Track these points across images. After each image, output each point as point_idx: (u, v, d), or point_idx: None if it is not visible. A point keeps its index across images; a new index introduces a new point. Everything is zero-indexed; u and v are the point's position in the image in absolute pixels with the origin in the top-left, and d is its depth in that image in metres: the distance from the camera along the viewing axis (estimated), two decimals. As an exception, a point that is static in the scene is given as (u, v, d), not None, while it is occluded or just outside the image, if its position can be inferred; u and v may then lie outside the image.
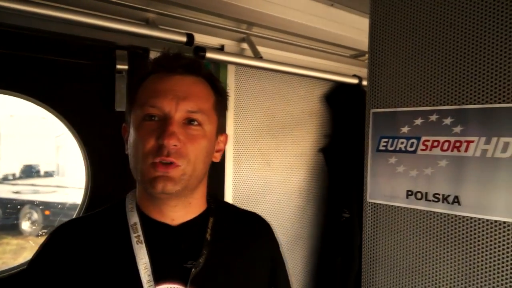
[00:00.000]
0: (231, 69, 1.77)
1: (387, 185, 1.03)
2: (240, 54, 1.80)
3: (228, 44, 1.79)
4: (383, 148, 1.04)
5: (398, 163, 1.01)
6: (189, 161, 0.78)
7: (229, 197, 1.74)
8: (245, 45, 1.82)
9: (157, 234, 0.82)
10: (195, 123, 0.81)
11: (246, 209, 1.03)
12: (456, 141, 0.91)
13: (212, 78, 0.89)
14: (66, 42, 1.48)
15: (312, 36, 1.90)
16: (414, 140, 0.98)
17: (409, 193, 0.98)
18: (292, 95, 2.02)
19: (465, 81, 0.91)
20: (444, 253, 0.93)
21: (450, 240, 0.93)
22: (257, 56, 1.76)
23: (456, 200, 0.91)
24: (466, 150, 0.90)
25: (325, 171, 2.16)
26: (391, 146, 1.02)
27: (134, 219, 0.83)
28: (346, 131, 2.07)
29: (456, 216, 0.92)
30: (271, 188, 1.93)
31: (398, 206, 1.01)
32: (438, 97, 0.95)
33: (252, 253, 0.92)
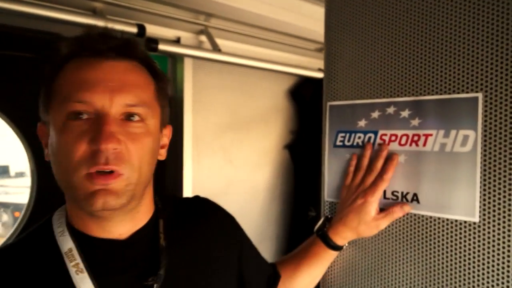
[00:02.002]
0: (188, 63, 1.69)
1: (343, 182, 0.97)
2: (198, 46, 1.72)
3: (185, 36, 1.70)
4: (340, 144, 0.98)
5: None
6: (133, 167, 0.64)
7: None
8: (203, 38, 1.74)
9: (103, 254, 0.68)
10: (136, 118, 0.65)
11: (188, 197, 0.92)
12: (414, 135, 0.86)
13: (150, 61, 0.73)
14: (6, 33, 1.36)
15: (275, 29, 1.83)
16: (371, 135, 0.92)
17: (367, 190, 0.92)
18: (255, 90, 1.95)
19: (421, 71, 0.85)
20: (403, 255, 0.88)
21: (409, 240, 0.87)
22: (216, 49, 1.68)
23: (415, 198, 0.86)
24: (424, 144, 0.84)
25: (291, 168, 2.10)
26: (348, 141, 0.96)
27: (67, 244, 0.66)
28: (312, 126, 2.02)
29: (415, 215, 0.86)
30: (234, 187, 1.85)
31: (356, 205, 0.94)
32: (395, 88, 0.89)
33: (212, 239, 0.82)
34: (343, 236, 0.93)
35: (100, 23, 1.40)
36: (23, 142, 1.43)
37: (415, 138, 0.85)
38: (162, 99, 0.74)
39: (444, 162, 0.81)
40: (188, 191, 1.65)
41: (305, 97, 2.08)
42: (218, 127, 1.80)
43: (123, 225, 0.70)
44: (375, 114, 0.91)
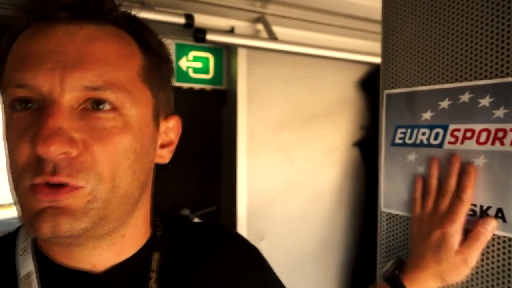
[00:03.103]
0: (242, 54, 1.57)
1: (405, 191, 0.77)
2: (253, 35, 1.59)
3: (240, 25, 1.59)
4: (400, 141, 0.78)
5: (419, 161, 0.75)
6: (100, 177, 0.45)
7: (242, 201, 1.54)
8: (260, 26, 1.61)
9: None
10: (106, 106, 0.46)
11: (203, 222, 0.73)
12: (498, 130, 0.63)
13: (135, 24, 0.51)
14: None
15: (340, 11, 1.63)
16: (440, 130, 0.71)
17: (433, 202, 0.72)
18: (319, 82, 1.77)
19: (509, 43, 0.62)
20: (481, 285, 0.66)
21: (490, 269, 0.65)
22: (272, 37, 1.54)
23: (499, 215, 0.64)
24: (503, 143, 0.62)
25: (361, 168, 1.88)
26: (410, 138, 0.76)
27: (27, 267, 0.50)
28: (385, 121, 1.78)
29: (499, 237, 0.64)
30: (294, 189, 1.70)
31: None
32: (471, 69, 0.67)
33: (226, 281, 0.61)
34: (423, 286, 0.70)
35: (148, 15, 1.35)
36: None
37: (500, 134, 0.63)
38: (157, 80, 0.53)
39: (543, 167, 0.58)
40: (242, 193, 1.54)
41: (378, 88, 1.84)
42: (276, 123, 1.66)
43: (97, 253, 0.51)
44: (445, 104, 0.70)
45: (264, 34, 1.61)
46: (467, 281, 0.68)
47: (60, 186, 0.43)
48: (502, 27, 0.63)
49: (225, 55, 1.64)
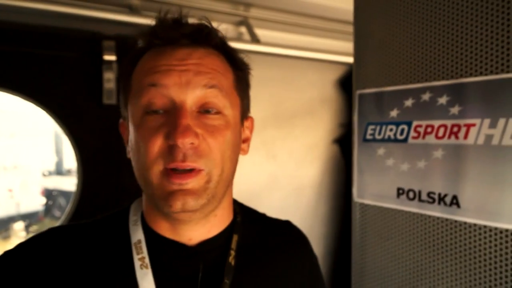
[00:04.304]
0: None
1: (375, 182, 0.85)
2: (235, 38, 1.66)
3: (223, 28, 1.65)
4: (371, 137, 0.86)
5: (387, 154, 0.82)
6: (214, 162, 0.59)
7: (228, 195, 1.61)
8: (242, 29, 1.67)
9: (167, 257, 0.64)
10: (215, 109, 0.60)
11: (276, 217, 0.82)
12: (453, 125, 0.71)
13: (228, 48, 0.67)
14: (50, 34, 1.42)
15: (320, 15, 1.71)
16: (405, 126, 0.79)
17: (400, 191, 0.79)
18: (300, 82, 1.85)
19: (462, 48, 0.71)
20: (440, 266, 0.74)
21: (448, 251, 0.73)
22: (255, 39, 1.60)
23: (454, 201, 0.72)
24: (466, 137, 0.70)
25: (341, 163, 1.97)
26: (379, 134, 0.84)
27: (138, 235, 0.64)
28: (363, 119, 1.87)
29: (455, 221, 0.72)
30: (278, 183, 1.77)
31: (387, 208, 0.82)
32: (431, 70, 0.75)
33: (286, 277, 0.72)
34: None
35: (136, 19, 1.40)
36: (70, 139, 1.47)
37: (455, 129, 0.71)
38: (242, 89, 0.68)
39: (491, 158, 0.67)
40: (234, 187, 1.60)
41: (356, 87, 1.93)
42: (260, 121, 1.73)
43: (196, 229, 0.64)
44: (409, 102, 0.78)
45: (246, 36, 1.67)
46: (424, 263, 0.76)
47: (187, 171, 0.57)
48: (457, 31, 0.71)
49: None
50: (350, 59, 1.85)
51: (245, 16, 1.65)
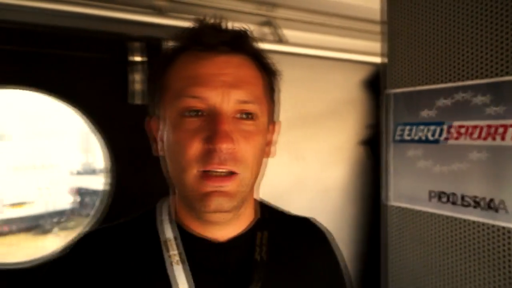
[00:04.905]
0: (250, 57, 1.62)
1: (406, 184, 0.82)
2: (261, 38, 1.65)
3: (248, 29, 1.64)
4: (401, 138, 0.83)
5: (419, 156, 0.80)
6: (247, 166, 0.62)
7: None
8: (267, 29, 1.66)
9: (197, 253, 0.66)
10: (249, 116, 0.63)
11: (296, 214, 0.84)
12: (491, 126, 0.68)
13: (261, 55, 0.69)
14: (80, 36, 1.45)
15: (347, 14, 1.68)
16: (437, 127, 0.76)
17: (432, 194, 0.76)
18: (325, 82, 1.82)
19: (501, 46, 0.67)
20: (477, 273, 0.71)
21: (487, 257, 0.70)
22: (280, 40, 1.59)
23: (495, 206, 0.68)
24: (503, 138, 0.67)
25: (368, 166, 1.92)
26: (410, 135, 0.81)
27: (167, 233, 0.67)
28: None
29: (492, 226, 0.69)
30: (303, 186, 1.75)
31: (419, 211, 0.79)
32: (467, 69, 0.72)
33: (311, 271, 0.74)
34: None
35: (162, 21, 1.41)
36: (103, 140, 1.50)
37: (492, 129, 0.68)
38: (272, 95, 0.70)
39: (532, 160, 0.63)
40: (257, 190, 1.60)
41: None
42: (284, 122, 1.70)
43: (224, 227, 0.67)
44: (441, 102, 0.75)
45: (271, 37, 1.66)
46: (469, 271, 0.72)
47: (222, 175, 0.59)
48: (496, 28, 0.67)
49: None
50: (376, 59, 1.81)
51: (270, 16, 1.64)
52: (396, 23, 0.85)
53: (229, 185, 0.60)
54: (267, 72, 0.69)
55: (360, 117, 1.94)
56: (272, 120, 0.72)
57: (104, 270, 0.65)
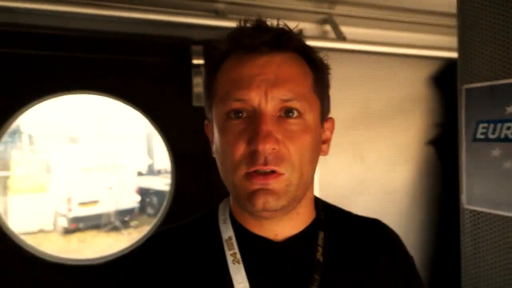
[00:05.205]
0: (310, 56, 1.60)
1: (489, 187, 0.75)
2: (319, 36, 1.61)
3: (307, 28, 1.61)
4: (482, 137, 0.76)
5: (504, 156, 0.72)
6: (293, 166, 0.61)
7: (314, 198, 1.57)
8: (327, 27, 1.63)
9: (256, 252, 0.67)
10: (294, 114, 0.62)
11: (364, 216, 0.80)
12: None
13: (307, 51, 0.68)
14: (145, 42, 1.51)
15: (408, 7, 1.60)
16: (527, 124, 0.69)
17: (520, 198, 0.69)
18: (389, 79, 1.74)
19: None
20: None
21: None
22: (340, 37, 1.55)
23: None
24: None
25: (436, 167, 1.82)
26: (494, 133, 0.74)
27: (228, 233, 0.69)
28: (462, 117, 1.70)
29: None
30: (365, 187, 1.69)
31: (506, 216, 0.72)
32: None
33: (377, 277, 0.71)
34: None
35: (223, 23, 1.43)
36: (167, 142, 1.55)
37: None
38: (321, 91, 0.68)
39: None
40: (315, 191, 1.56)
41: (453, 83, 1.77)
42: (346, 122, 1.66)
43: (280, 225, 0.67)
44: (531, 97, 0.68)
45: (331, 34, 1.62)
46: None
47: (268, 173, 0.59)
48: None
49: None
50: (445, 53, 1.71)
51: (330, 14, 1.60)
52: (469, 14, 0.78)
53: (273, 183, 0.60)
54: (315, 68, 0.67)
55: (427, 116, 1.83)
56: (325, 117, 0.70)
57: (171, 268, 0.68)
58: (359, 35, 1.65)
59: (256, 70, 0.62)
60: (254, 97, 0.60)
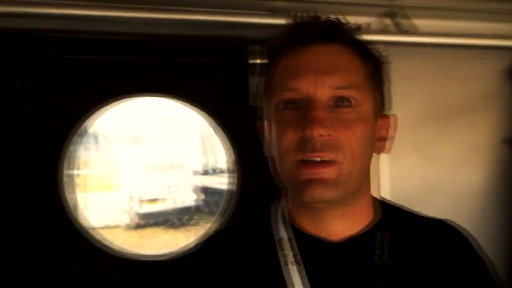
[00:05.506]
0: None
1: None
2: (383, 30, 1.54)
3: (371, 21, 1.55)
4: None
5: None
6: (345, 155, 0.60)
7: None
8: (391, 20, 1.55)
9: (312, 253, 0.66)
10: (346, 103, 0.62)
11: (429, 216, 0.77)
12: None
13: (360, 43, 0.69)
14: (202, 43, 1.54)
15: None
16: None
17: None
18: (459, 73, 1.64)
19: None
20: None
21: None
22: (406, 31, 1.47)
23: None
24: None
25: (514, 167, 1.67)
26: None
27: (281, 233, 0.68)
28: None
29: None
30: (435, 189, 1.59)
31: None
32: None
33: (441, 278, 0.67)
34: None
35: (279, 21, 1.42)
36: (228, 141, 1.56)
37: None
38: (375, 85, 0.68)
39: None
40: (385, 192, 1.51)
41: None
42: (411, 119, 1.58)
43: (334, 223, 0.66)
44: None
45: (395, 28, 1.54)
46: None
47: (319, 162, 0.59)
48: None
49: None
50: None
51: (394, 6, 1.52)
52: None
53: (326, 172, 0.59)
54: (368, 61, 0.68)
55: (502, 112, 1.69)
56: (380, 112, 0.70)
57: (227, 268, 0.68)
58: (427, 27, 1.56)
59: (307, 60, 0.63)
60: (306, 86, 0.61)
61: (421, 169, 1.59)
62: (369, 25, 1.55)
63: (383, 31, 1.54)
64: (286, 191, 0.72)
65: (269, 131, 0.68)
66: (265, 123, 0.71)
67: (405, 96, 1.57)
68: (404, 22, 1.48)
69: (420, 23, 1.57)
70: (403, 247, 0.67)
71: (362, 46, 0.69)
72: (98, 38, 1.41)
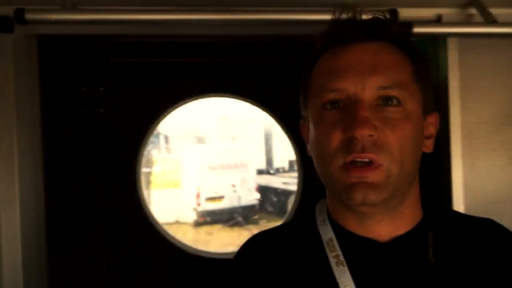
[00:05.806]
0: (452, 43, 1.42)
1: None
2: (463, 22, 1.42)
3: (448, 13, 1.44)
4: None
5: None
6: (393, 156, 0.59)
7: (458, 206, 1.38)
8: (472, 10, 1.43)
9: (360, 253, 0.65)
10: (393, 102, 0.60)
11: (477, 216, 0.74)
12: None
13: (404, 40, 0.67)
14: (269, 43, 1.53)
15: None
16: None
17: None
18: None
19: None
20: None
21: None
22: (489, 21, 1.34)
23: None
24: None
25: None
26: None
27: (328, 234, 0.67)
28: None
29: None
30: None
31: None
32: None
33: (491, 278, 0.65)
34: None
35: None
36: (290, 139, 1.57)
37: None
38: (422, 82, 0.65)
39: None
40: (458, 197, 1.39)
41: None
42: (497, 117, 1.44)
43: (383, 225, 0.64)
44: None
45: (477, 18, 1.42)
46: None
47: (366, 164, 0.57)
48: None
49: (430, 47, 1.52)
50: None
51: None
52: None
53: (372, 176, 0.57)
54: (414, 58, 0.65)
55: None
56: (429, 111, 0.67)
57: (272, 270, 0.68)
58: (506, 17, 1.42)
59: (350, 60, 0.61)
60: (350, 86, 0.59)
61: (507, 171, 1.45)
62: (440, 16, 1.45)
63: (465, 22, 1.42)
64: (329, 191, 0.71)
65: (309, 133, 0.66)
66: (306, 124, 0.69)
67: (491, 91, 1.44)
68: (489, 11, 1.36)
69: (505, 12, 1.44)
70: (451, 245, 0.66)
71: (407, 44, 0.66)
72: (166, 41, 1.46)
